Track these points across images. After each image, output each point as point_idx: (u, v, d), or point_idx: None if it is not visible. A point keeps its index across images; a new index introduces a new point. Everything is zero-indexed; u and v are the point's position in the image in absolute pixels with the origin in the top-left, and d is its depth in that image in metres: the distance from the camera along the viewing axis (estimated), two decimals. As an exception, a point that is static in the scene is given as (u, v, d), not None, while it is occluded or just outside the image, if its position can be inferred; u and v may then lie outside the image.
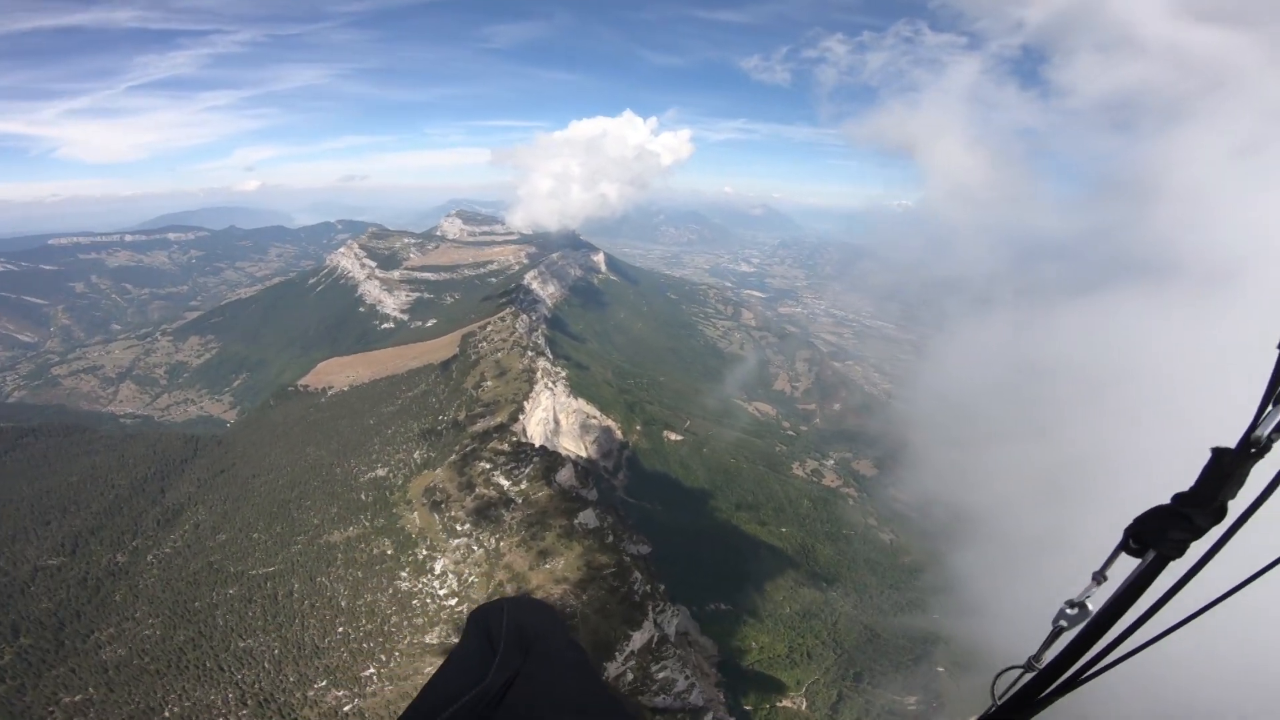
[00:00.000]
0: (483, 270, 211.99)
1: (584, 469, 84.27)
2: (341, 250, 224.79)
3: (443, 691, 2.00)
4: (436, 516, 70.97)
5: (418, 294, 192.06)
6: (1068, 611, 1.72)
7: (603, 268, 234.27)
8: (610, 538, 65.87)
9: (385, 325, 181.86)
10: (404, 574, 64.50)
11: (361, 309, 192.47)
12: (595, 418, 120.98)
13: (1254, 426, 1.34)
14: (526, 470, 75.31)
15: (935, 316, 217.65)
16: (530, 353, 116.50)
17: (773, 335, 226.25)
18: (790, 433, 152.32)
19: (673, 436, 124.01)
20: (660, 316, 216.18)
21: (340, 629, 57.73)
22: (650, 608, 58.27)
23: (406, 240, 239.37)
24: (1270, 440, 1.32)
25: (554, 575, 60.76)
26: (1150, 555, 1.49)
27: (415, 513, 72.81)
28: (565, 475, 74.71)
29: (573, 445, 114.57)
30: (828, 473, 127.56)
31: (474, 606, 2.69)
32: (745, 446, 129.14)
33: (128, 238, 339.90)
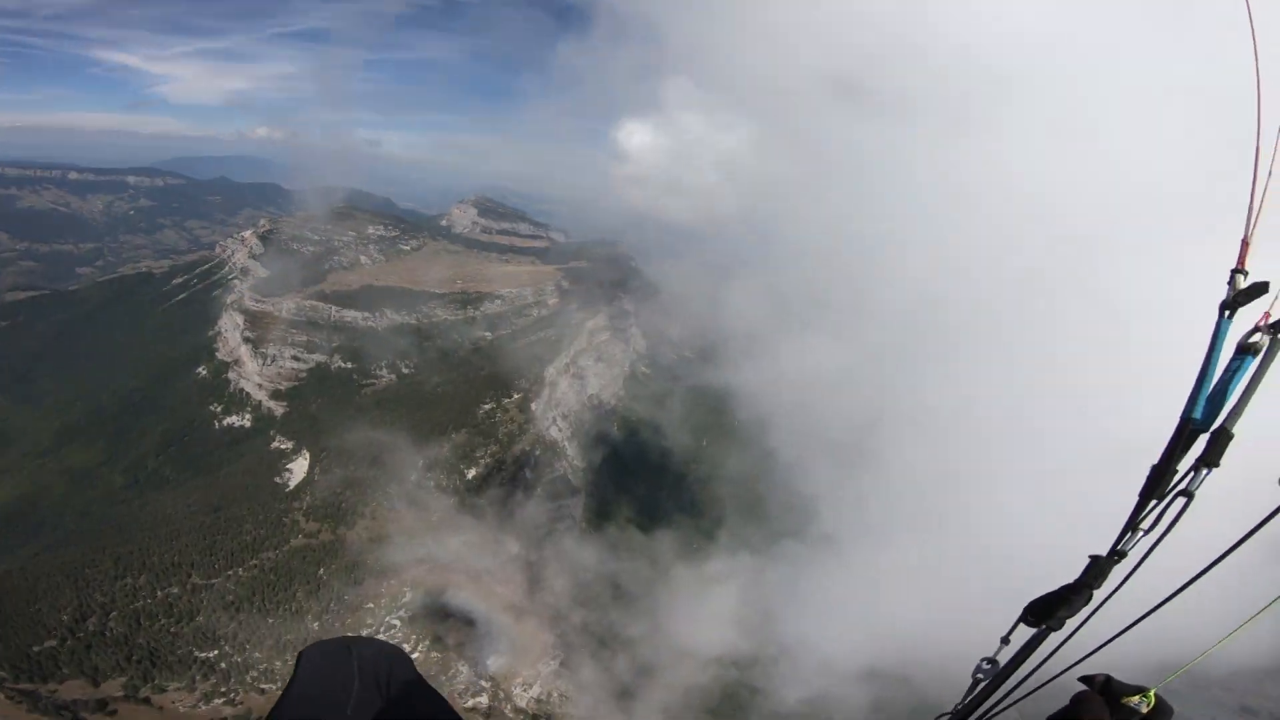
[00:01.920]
0: (474, 309, 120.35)
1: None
2: (245, 235, 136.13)
3: None
4: None
5: (317, 356, 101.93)
6: (984, 666, 2.19)
7: (675, 334, 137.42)
8: None
9: (231, 418, 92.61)
10: None
11: (203, 367, 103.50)
12: None
13: (1119, 541, 1.82)
14: None
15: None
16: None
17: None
18: None
19: None
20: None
21: None
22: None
23: (374, 231, 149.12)
24: (1126, 552, 1.81)
25: None
26: (1041, 628, 1.98)
27: None
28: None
29: None
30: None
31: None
32: None
33: (72, 175, 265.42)
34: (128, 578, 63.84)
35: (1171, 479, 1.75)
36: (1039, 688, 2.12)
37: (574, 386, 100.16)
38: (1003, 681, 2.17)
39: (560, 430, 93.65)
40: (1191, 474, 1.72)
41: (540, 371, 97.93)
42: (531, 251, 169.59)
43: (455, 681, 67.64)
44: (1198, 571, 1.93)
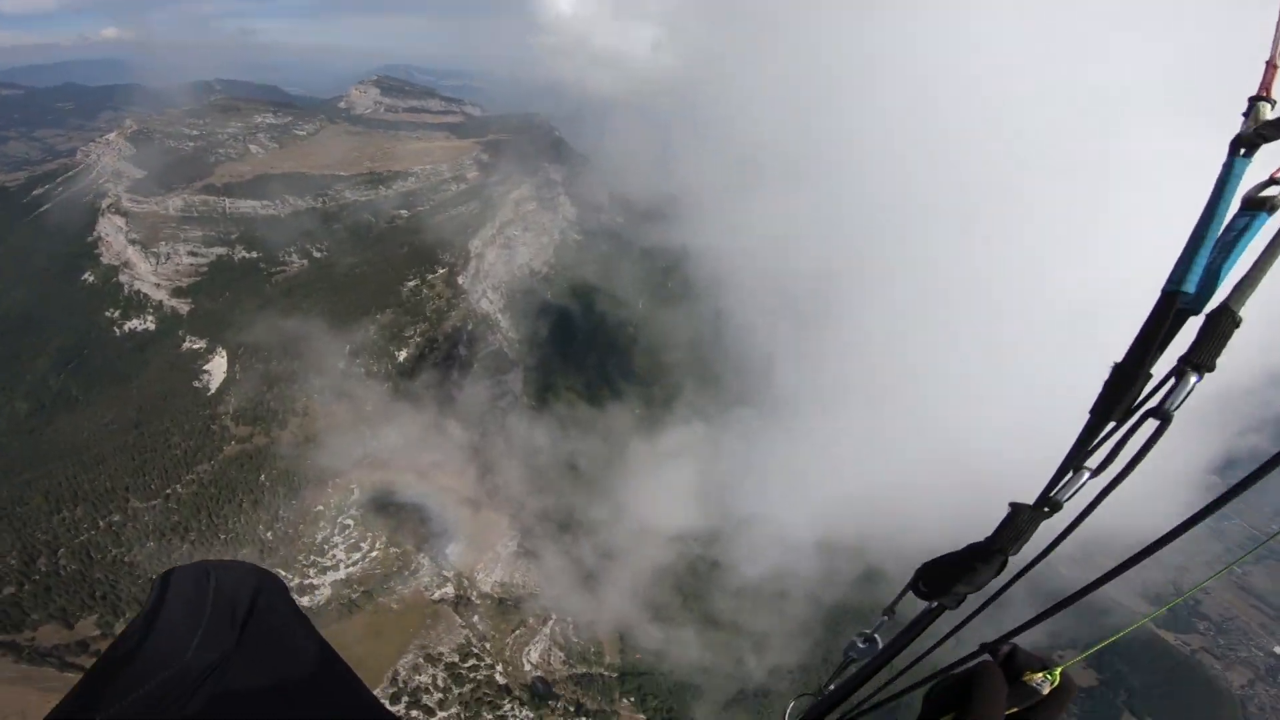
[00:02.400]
0: (385, 188, 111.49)
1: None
2: (110, 138, 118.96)
3: (127, 668, 1.59)
4: None
5: (217, 249, 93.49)
6: (859, 644, 1.77)
7: (605, 201, 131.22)
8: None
9: (132, 323, 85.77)
10: None
11: (89, 273, 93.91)
12: None
13: (1052, 487, 1.31)
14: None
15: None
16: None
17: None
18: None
19: None
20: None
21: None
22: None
23: (262, 119, 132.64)
24: (1062, 502, 1.31)
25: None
26: (933, 605, 1.55)
27: None
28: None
29: None
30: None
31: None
32: None
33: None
34: (63, 511, 60.94)
35: (1141, 388, 1.17)
36: (931, 678, 1.52)
37: (502, 257, 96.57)
38: (880, 667, 1.69)
39: (492, 303, 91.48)
40: (1173, 381, 1.12)
41: (465, 244, 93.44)
42: (445, 127, 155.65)
43: (419, 576, 68.14)
44: (1166, 531, 1.25)
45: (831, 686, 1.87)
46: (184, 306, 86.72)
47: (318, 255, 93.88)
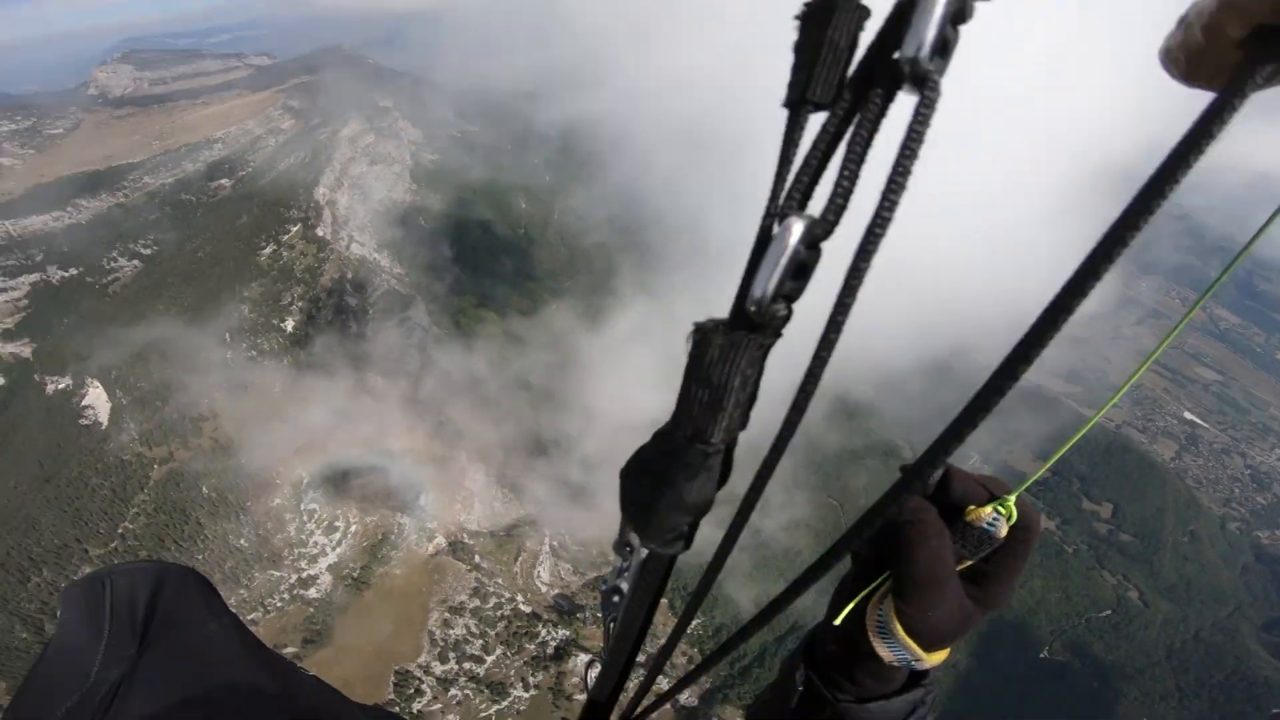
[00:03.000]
0: (192, 163, 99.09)
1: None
2: None
3: (39, 703, 1.42)
4: None
5: (26, 277, 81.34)
6: (612, 599, 1.22)
7: (450, 115, 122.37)
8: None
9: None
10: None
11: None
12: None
13: (746, 286, 0.71)
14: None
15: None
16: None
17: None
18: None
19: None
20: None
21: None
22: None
23: (0, 127, 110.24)
24: (773, 305, 0.68)
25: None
26: (645, 554, 1.03)
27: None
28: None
29: None
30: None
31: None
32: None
33: None
34: (31, 578, 57.74)
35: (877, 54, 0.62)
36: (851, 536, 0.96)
37: (356, 198, 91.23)
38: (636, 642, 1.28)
39: (363, 245, 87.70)
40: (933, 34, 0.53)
41: (310, 196, 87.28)
42: (233, 85, 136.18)
43: (405, 538, 67.80)
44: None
45: (608, 655, 1.31)
46: (24, 349, 76.68)
47: (147, 252, 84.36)
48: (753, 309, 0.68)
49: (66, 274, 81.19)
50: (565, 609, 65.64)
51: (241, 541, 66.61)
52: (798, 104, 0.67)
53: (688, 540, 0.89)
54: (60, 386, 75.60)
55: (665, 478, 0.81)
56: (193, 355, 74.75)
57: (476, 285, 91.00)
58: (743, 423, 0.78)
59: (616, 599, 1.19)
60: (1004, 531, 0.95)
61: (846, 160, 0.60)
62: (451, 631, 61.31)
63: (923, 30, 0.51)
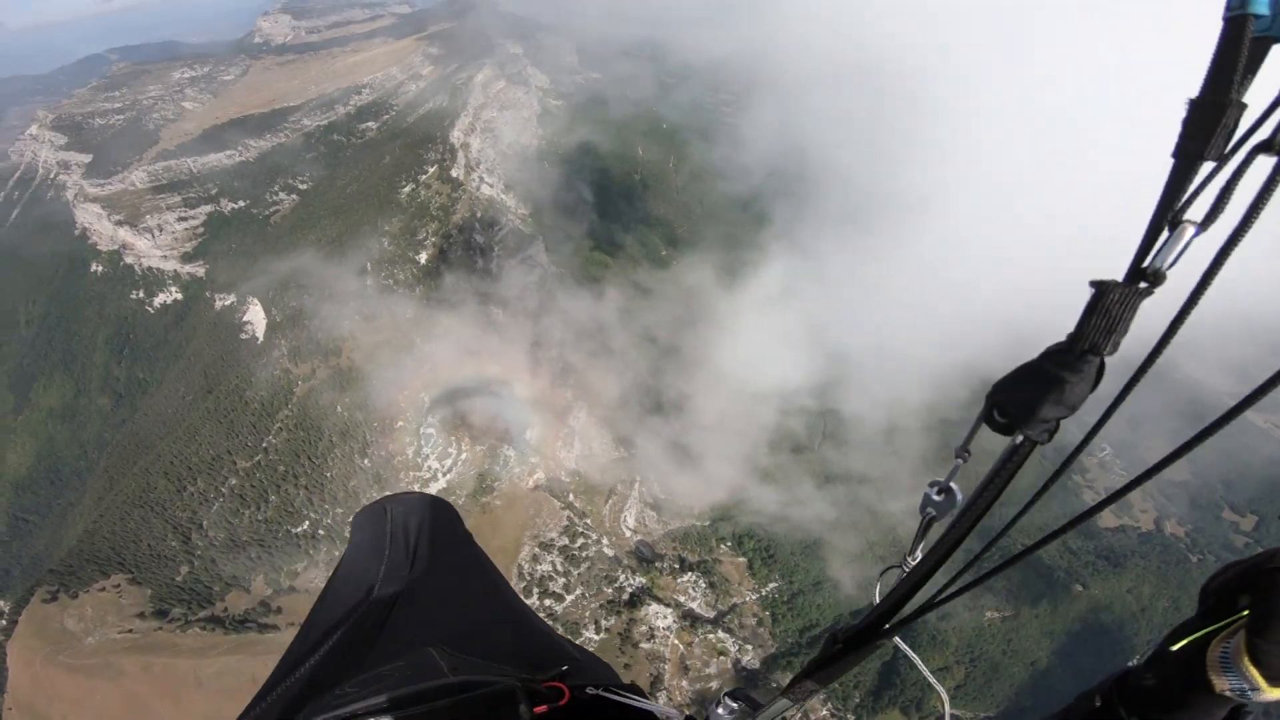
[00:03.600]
0: (343, 107, 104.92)
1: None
2: (33, 132, 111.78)
3: (333, 610, 1.78)
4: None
5: (204, 208, 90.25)
6: (934, 497, 1.43)
7: (575, 62, 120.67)
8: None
9: (160, 297, 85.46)
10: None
11: (95, 264, 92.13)
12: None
13: (1144, 253, 0.95)
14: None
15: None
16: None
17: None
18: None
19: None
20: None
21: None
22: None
23: (181, 75, 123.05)
24: (1163, 270, 0.94)
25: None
26: (1019, 440, 1.13)
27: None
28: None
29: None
30: None
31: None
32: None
33: None
34: (187, 487, 63.93)
35: (1235, 120, 0.90)
36: (1034, 548, 1.18)
37: (488, 141, 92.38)
38: (969, 529, 1.22)
39: (492, 186, 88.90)
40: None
41: (446, 138, 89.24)
42: (379, 33, 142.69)
43: (510, 468, 69.93)
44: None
45: (916, 556, 1.53)
46: (199, 269, 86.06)
47: (303, 187, 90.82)
48: (1149, 272, 0.91)
49: (236, 205, 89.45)
50: (646, 556, 65.74)
51: (365, 461, 70.67)
52: (1193, 157, 0.87)
53: (1053, 434, 1.09)
54: (226, 303, 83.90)
55: (1058, 380, 0.98)
56: (337, 282, 79.69)
57: (598, 229, 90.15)
58: (1115, 349, 0.96)
59: (940, 497, 1.39)
60: None
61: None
62: (539, 567, 62.81)
63: None
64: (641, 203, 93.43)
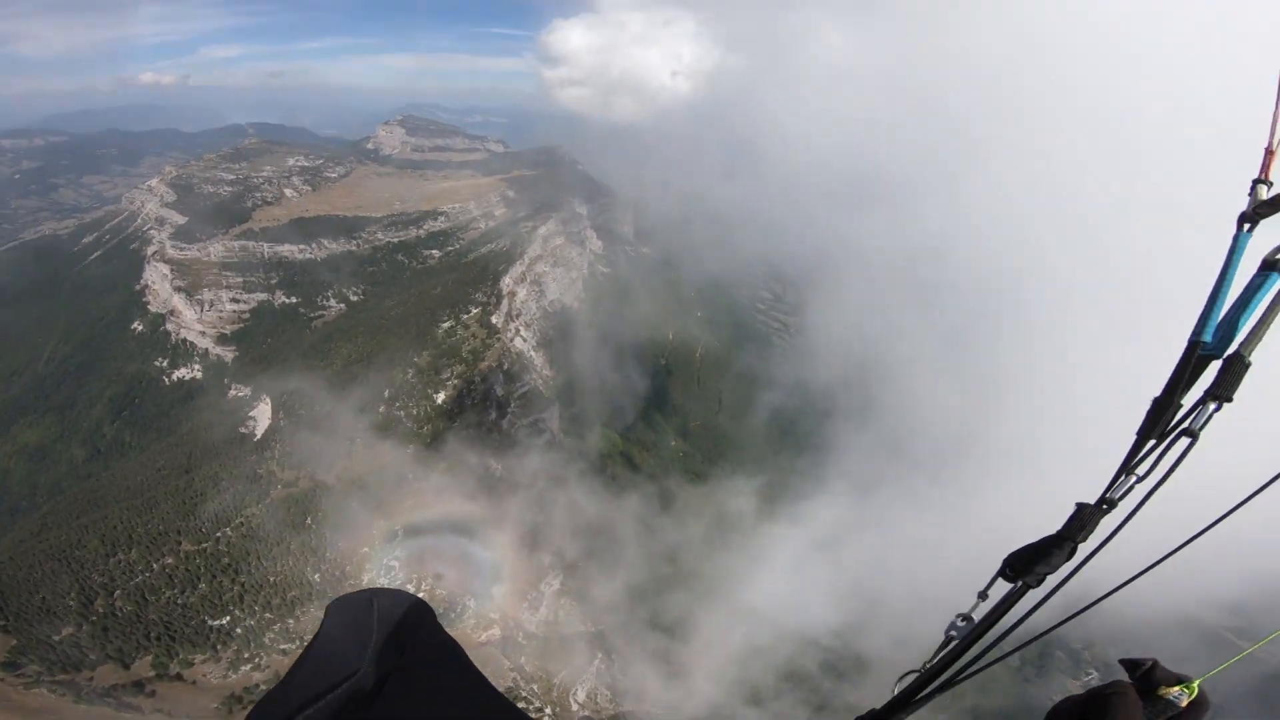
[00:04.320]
0: (416, 229, 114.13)
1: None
2: (152, 184, 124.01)
3: (308, 685, 1.81)
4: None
5: (258, 295, 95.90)
6: (959, 623, 1.99)
7: (629, 233, 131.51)
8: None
9: (180, 372, 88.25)
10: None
11: (138, 322, 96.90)
12: None
13: (1109, 489, 1.64)
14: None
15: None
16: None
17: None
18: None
19: None
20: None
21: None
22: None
23: (294, 162, 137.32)
24: (1117, 501, 1.63)
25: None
26: (1019, 584, 1.79)
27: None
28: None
29: None
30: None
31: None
32: None
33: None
34: (118, 554, 61.96)
35: (1175, 414, 1.55)
36: (1018, 648, 1.90)
37: (533, 294, 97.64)
38: (976, 640, 1.91)
39: (525, 341, 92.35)
40: (1199, 408, 1.52)
41: (496, 284, 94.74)
42: (470, 165, 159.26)
43: (465, 619, 67.69)
44: (1202, 528, 1.69)
45: (933, 661, 2.01)
46: (228, 354, 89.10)
47: (355, 299, 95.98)
48: (1108, 499, 1.68)
49: (288, 301, 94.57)
50: (586, 733, 60.20)
51: (315, 576, 67.25)
52: (1144, 437, 1.58)
53: (1040, 582, 1.73)
54: (240, 394, 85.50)
55: (1048, 551, 1.66)
56: (354, 400, 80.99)
57: (620, 411, 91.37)
58: (1084, 539, 1.68)
59: (964, 624, 1.95)
60: (1184, 703, 1.43)
61: None
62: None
63: (1201, 419, 1.39)
64: (658, 387, 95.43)
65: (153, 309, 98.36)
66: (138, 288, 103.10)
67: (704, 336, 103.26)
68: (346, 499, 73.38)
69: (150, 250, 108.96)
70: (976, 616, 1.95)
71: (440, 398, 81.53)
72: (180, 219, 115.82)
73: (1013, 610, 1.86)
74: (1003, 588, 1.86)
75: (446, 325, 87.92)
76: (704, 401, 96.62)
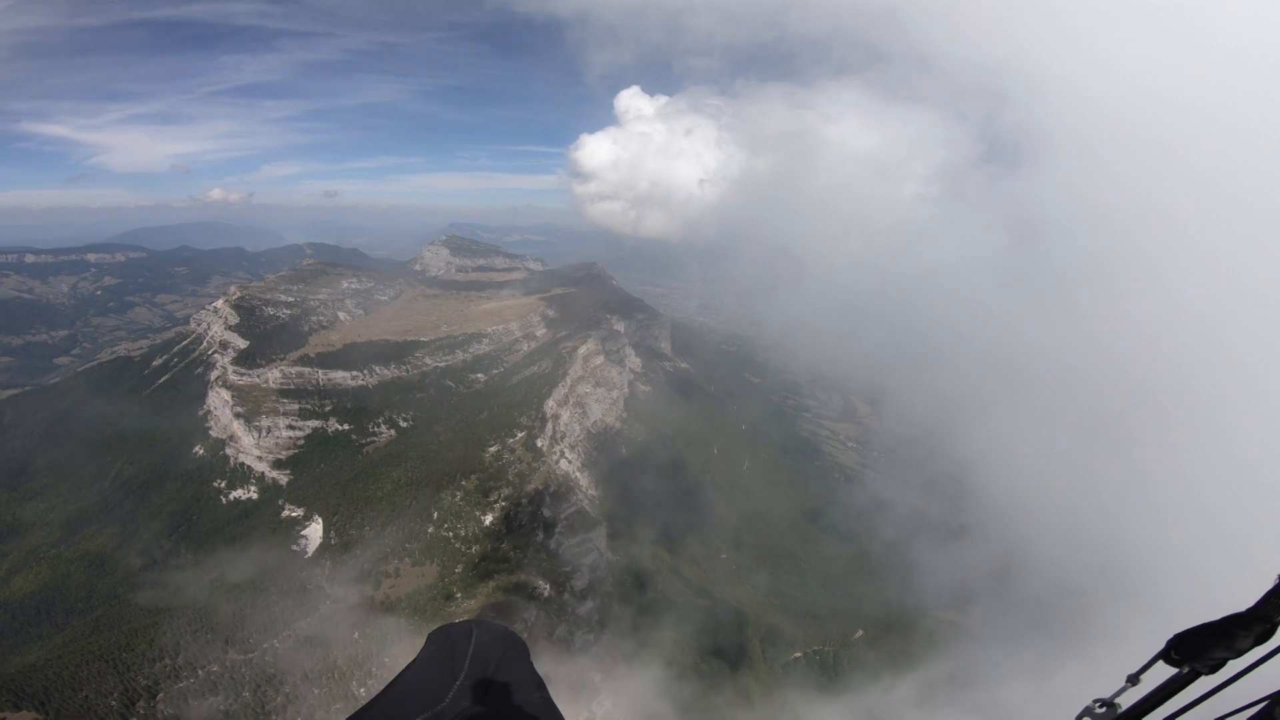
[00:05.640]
0: (462, 352, 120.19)
1: None
2: (217, 306, 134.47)
3: (395, 710, 1.87)
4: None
5: (312, 422, 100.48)
6: (1096, 710, 1.76)
7: (667, 348, 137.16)
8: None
9: (236, 492, 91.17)
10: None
11: (199, 447, 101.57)
12: None
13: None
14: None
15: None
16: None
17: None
18: None
19: None
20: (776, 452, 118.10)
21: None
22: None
23: (348, 285, 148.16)
24: None
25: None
26: (1186, 669, 1.54)
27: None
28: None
29: None
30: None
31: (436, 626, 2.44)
32: None
33: (29, 258, 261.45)
34: (165, 659, 62.68)
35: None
36: None
37: (576, 416, 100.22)
38: None
39: (570, 462, 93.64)
40: None
41: (540, 406, 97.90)
42: (510, 285, 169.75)
43: None
44: None
45: None
46: (283, 478, 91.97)
47: (404, 425, 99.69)
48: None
49: (340, 428, 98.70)
50: None
51: (361, 690, 66.27)
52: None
53: (1217, 669, 1.50)
54: (293, 514, 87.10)
55: (1230, 633, 1.41)
56: (404, 522, 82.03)
57: (660, 521, 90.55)
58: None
59: (1103, 710, 1.73)
60: None
61: None
62: None
63: None
64: (703, 504, 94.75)
65: (214, 433, 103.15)
66: (201, 413, 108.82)
67: (751, 448, 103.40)
68: (394, 615, 72.98)
69: (214, 375, 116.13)
70: (1124, 704, 1.71)
71: (488, 520, 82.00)
72: (242, 343, 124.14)
73: (1173, 700, 1.61)
74: (1163, 673, 1.61)
75: (493, 449, 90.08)
76: (755, 514, 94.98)
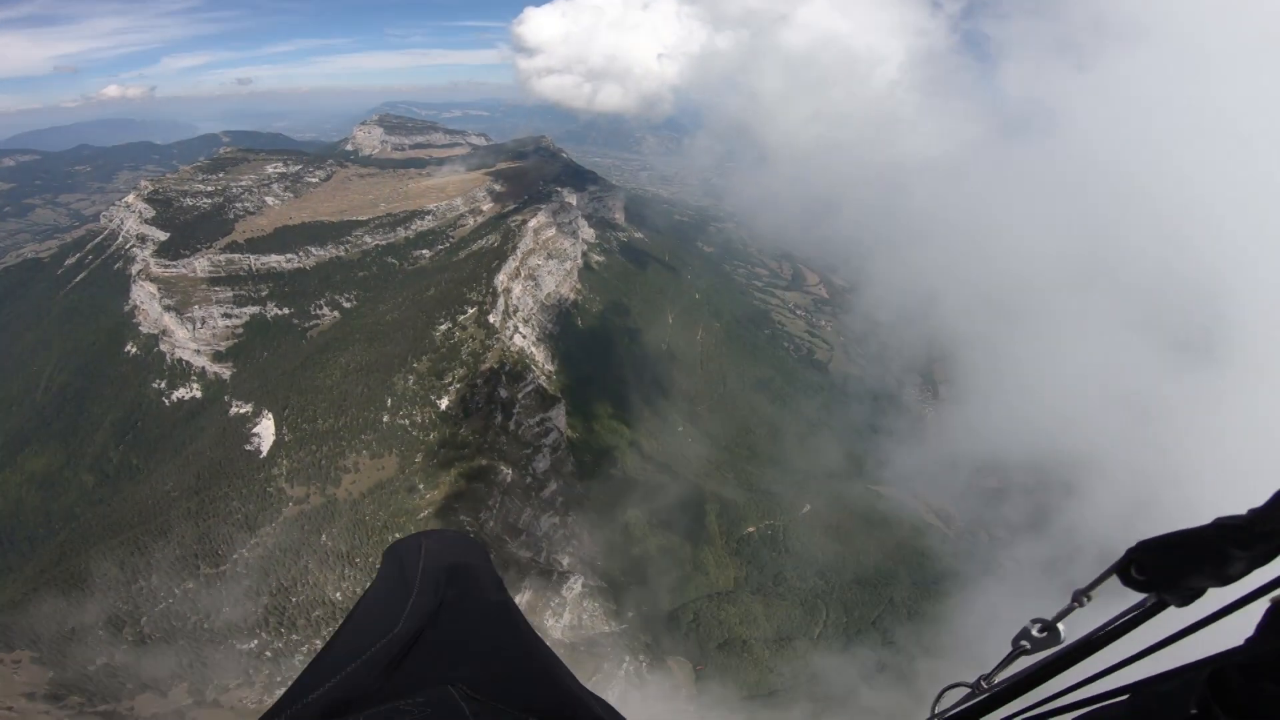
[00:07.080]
0: (404, 230, 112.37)
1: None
2: (128, 200, 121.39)
3: (352, 642, 1.82)
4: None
5: (249, 308, 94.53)
6: (1033, 633, 1.39)
7: (621, 219, 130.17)
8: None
9: (179, 392, 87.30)
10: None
11: (130, 345, 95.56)
12: None
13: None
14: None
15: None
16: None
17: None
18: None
19: None
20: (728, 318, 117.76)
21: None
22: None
23: (273, 169, 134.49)
24: None
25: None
26: (1152, 600, 1.11)
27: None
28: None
29: None
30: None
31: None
32: None
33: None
34: (139, 581, 62.22)
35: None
36: (1113, 700, 1.10)
37: (528, 289, 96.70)
38: (1061, 668, 1.23)
39: (524, 337, 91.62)
40: None
41: (490, 281, 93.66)
42: (452, 160, 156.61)
43: None
44: None
45: (993, 681, 1.48)
46: (226, 372, 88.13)
47: (347, 305, 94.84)
48: None
49: (280, 312, 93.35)
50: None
51: (336, 594, 67.39)
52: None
53: (1193, 599, 1.03)
54: (242, 411, 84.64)
55: (1223, 554, 0.92)
56: (358, 410, 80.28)
57: (617, 394, 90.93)
58: None
59: (1042, 634, 1.35)
60: None
61: None
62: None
63: None
64: (660, 373, 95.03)
65: (144, 330, 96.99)
66: (127, 309, 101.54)
67: (704, 318, 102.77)
68: (360, 513, 73.07)
69: (135, 269, 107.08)
70: (1065, 631, 1.31)
71: (444, 403, 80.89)
72: (161, 235, 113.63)
73: (1134, 635, 1.16)
74: (1126, 599, 1.15)
75: (444, 327, 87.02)
76: (709, 385, 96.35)
